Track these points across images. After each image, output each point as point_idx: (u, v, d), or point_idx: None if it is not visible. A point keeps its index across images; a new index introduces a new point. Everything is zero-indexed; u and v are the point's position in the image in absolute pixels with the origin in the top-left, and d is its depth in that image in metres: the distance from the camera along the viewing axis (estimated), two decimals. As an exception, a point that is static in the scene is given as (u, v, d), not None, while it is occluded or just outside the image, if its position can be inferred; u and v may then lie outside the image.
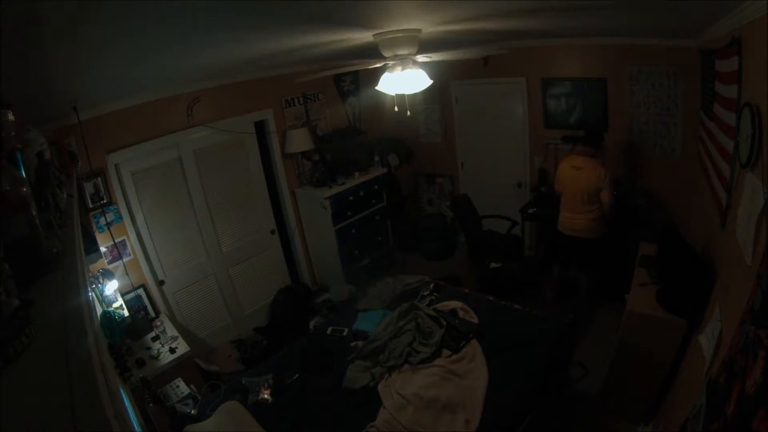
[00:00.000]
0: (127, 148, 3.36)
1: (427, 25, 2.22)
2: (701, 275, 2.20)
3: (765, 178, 1.39)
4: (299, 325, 4.05)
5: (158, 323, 3.37)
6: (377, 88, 2.50)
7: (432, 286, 3.48)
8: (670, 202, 3.72)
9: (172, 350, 3.05)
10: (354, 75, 5.03)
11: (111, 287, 3.03)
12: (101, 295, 2.95)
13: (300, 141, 4.32)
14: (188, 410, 2.55)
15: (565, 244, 3.72)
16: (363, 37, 2.38)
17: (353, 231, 4.62)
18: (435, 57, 2.41)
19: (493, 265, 4.28)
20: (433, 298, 3.35)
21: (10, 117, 1.15)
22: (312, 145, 4.44)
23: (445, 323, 2.88)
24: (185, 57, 2.31)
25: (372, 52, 2.58)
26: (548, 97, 4.33)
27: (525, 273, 4.58)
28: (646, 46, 3.54)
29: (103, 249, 3.19)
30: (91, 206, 3.18)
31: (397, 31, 2.19)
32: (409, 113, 2.87)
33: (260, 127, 4.30)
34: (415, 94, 2.55)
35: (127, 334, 3.07)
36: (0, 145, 1.04)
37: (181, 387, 2.80)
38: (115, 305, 3.03)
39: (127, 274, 3.39)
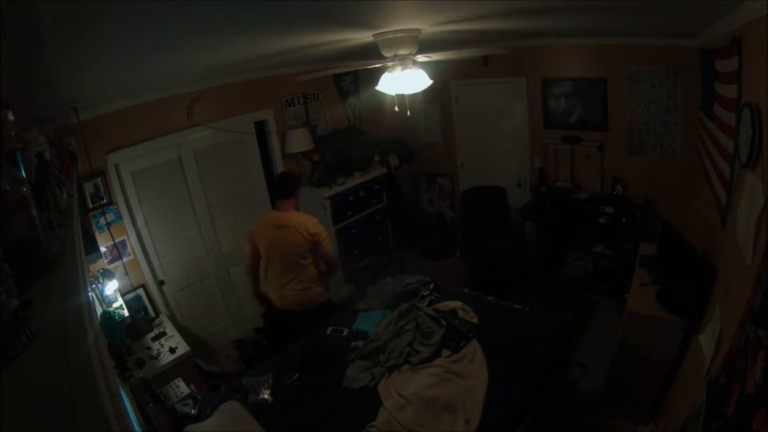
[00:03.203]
0: (127, 148, 3.36)
1: (427, 25, 2.22)
2: (701, 275, 2.20)
3: (765, 178, 1.39)
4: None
5: (158, 323, 3.37)
6: (377, 88, 2.50)
7: (432, 286, 3.48)
8: (670, 202, 3.72)
9: (172, 350, 3.05)
10: (354, 75, 5.03)
11: (111, 287, 3.03)
12: (101, 295, 2.95)
13: (300, 141, 4.32)
14: (188, 410, 2.55)
15: (285, 322, 3.11)
16: (363, 36, 2.38)
17: (353, 231, 4.62)
18: (435, 57, 2.41)
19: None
20: (433, 298, 3.35)
21: (10, 117, 1.15)
22: (312, 145, 4.44)
23: (445, 323, 2.88)
24: (185, 57, 2.31)
25: (372, 52, 2.58)
26: (548, 97, 4.33)
27: (524, 272, 4.59)
28: (646, 46, 3.54)
29: (103, 249, 3.19)
30: (91, 206, 3.18)
31: (397, 31, 2.19)
32: (409, 113, 2.87)
33: (260, 127, 4.30)
34: (415, 94, 2.55)
35: (127, 334, 3.06)
36: (0, 145, 1.04)
37: (181, 387, 2.80)
38: (115, 305, 3.02)
39: (127, 274, 3.39)
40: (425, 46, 2.51)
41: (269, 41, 2.31)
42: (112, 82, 2.56)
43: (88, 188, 3.16)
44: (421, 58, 2.39)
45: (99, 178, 3.21)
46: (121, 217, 3.38)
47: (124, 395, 1.65)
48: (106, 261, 3.27)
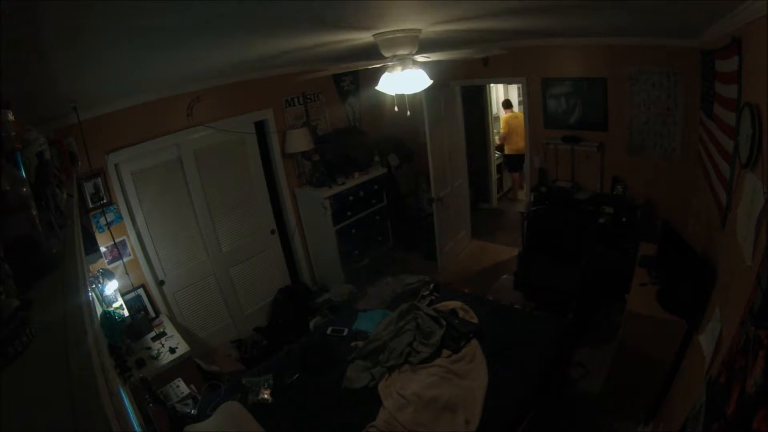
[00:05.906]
0: (127, 148, 3.36)
1: (427, 25, 2.22)
2: (701, 275, 2.20)
3: (765, 178, 1.39)
4: (299, 325, 4.05)
5: (158, 323, 3.36)
6: (377, 88, 2.50)
7: (432, 286, 3.48)
8: (670, 202, 3.72)
9: (172, 350, 3.05)
10: (354, 75, 5.03)
11: (111, 287, 3.03)
12: (101, 295, 2.95)
13: (300, 141, 4.31)
14: (188, 410, 2.56)
15: (512, 157, 6.30)
16: (363, 37, 2.38)
17: (353, 231, 4.62)
18: (435, 57, 2.41)
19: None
20: (433, 298, 3.35)
21: (10, 117, 1.15)
22: (312, 145, 4.44)
23: (445, 323, 2.88)
24: (185, 59, 2.31)
25: (372, 52, 2.58)
26: (548, 97, 4.33)
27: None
28: (646, 46, 3.54)
29: (103, 249, 3.19)
30: (91, 206, 3.18)
31: (397, 31, 2.19)
32: (409, 113, 2.87)
33: (260, 127, 4.30)
34: (415, 94, 2.55)
35: (127, 334, 3.06)
36: (0, 145, 1.04)
37: (181, 387, 2.80)
38: (115, 305, 3.02)
39: (127, 274, 3.39)
40: (425, 46, 2.51)
41: (269, 41, 2.31)
42: (112, 82, 2.56)
43: (88, 188, 3.16)
44: (421, 58, 2.39)
45: (99, 178, 3.21)
46: (121, 217, 3.38)
47: (124, 395, 1.65)
48: (106, 261, 3.27)
